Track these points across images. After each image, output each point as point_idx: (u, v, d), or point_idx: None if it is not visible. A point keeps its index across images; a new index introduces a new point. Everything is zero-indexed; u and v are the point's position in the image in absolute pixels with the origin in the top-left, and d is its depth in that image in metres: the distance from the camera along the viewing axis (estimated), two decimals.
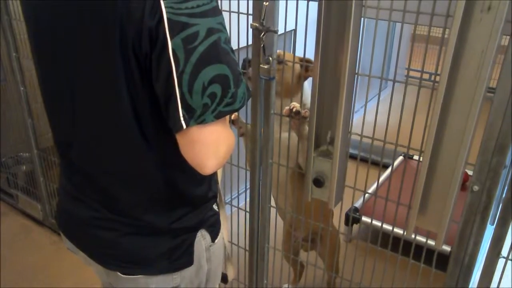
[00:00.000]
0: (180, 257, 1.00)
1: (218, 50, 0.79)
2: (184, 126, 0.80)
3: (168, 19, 0.74)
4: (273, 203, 1.60)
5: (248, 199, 1.57)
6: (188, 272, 1.02)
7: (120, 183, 0.95)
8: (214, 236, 1.06)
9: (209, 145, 0.83)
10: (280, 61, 1.48)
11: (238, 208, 1.67)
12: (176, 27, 0.75)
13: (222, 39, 0.79)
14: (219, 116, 0.81)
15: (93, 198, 0.98)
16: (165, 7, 0.74)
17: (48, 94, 0.99)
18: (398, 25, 1.12)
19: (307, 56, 1.28)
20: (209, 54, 0.77)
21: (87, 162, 0.97)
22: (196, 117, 0.79)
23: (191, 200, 0.99)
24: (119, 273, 0.99)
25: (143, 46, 0.77)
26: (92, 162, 0.96)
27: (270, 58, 1.26)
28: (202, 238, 1.03)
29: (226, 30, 0.82)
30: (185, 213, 0.99)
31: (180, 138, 0.84)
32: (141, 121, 0.86)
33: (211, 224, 1.05)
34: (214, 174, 1.07)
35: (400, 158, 3.04)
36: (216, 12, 0.79)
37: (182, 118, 0.79)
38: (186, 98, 0.78)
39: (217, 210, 1.09)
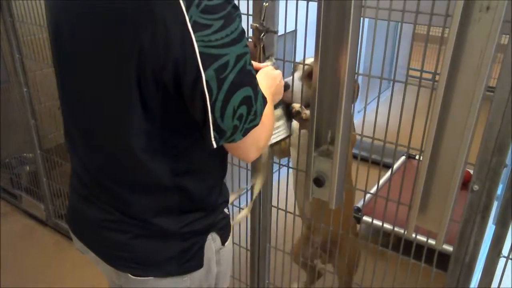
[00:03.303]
0: (190, 260, 1.00)
1: (245, 74, 0.84)
2: (214, 146, 0.86)
3: (200, 52, 0.77)
4: (274, 203, 1.60)
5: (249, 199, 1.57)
6: (198, 274, 1.02)
7: (131, 190, 0.95)
8: (224, 239, 1.06)
9: (247, 147, 0.91)
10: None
11: (240, 208, 1.67)
12: (208, 60, 0.78)
13: (247, 62, 0.84)
14: (245, 134, 0.87)
15: (105, 200, 0.99)
16: (196, 41, 0.76)
17: (63, 101, 1.00)
18: (399, 24, 1.12)
19: (307, 56, 1.28)
20: (238, 80, 0.82)
21: (98, 169, 0.98)
22: (226, 137, 0.86)
23: (202, 206, 1.00)
24: (129, 275, 0.99)
25: (164, 74, 0.79)
26: (103, 169, 0.97)
27: (273, 58, 1.26)
28: (212, 241, 1.03)
29: (248, 48, 0.85)
30: (196, 217, 0.99)
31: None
32: (151, 137, 0.88)
33: (221, 227, 1.06)
34: (224, 181, 1.08)
35: (402, 158, 3.03)
36: (242, 35, 0.82)
37: (213, 139, 0.85)
38: (218, 123, 0.83)
39: (227, 213, 1.09)
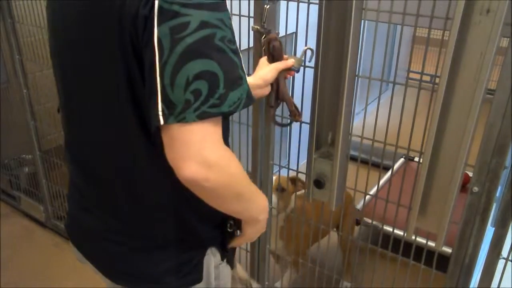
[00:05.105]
0: (188, 273, 0.97)
1: (210, 46, 0.73)
2: (162, 122, 0.73)
3: (159, 6, 0.71)
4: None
5: None
6: None
7: (132, 201, 0.92)
8: (224, 255, 1.03)
9: (190, 145, 0.74)
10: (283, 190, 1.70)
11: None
12: (166, 15, 0.71)
13: (217, 35, 0.73)
14: (202, 117, 0.73)
15: (103, 209, 0.96)
16: None
17: (60, 98, 0.98)
18: (400, 27, 1.13)
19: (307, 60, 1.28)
20: (198, 48, 0.72)
21: (95, 170, 0.95)
22: (177, 113, 0.72)
23: (201, 218, 0.95)
24: None
25: (139, 35, 0.74)
26: (100, 170, 0.94)
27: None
28: (212, 255, 1.00)
29: (229, 29, 0.76)
30: (195, 230, 0.96)
31: (163, 137, 0.77)
32: (146, 124, 0.83)
33: (221, 242, 1.01)
34: None
35: (401, 160, 3.04)
36: (218, 8, 0.75)
37: (161, 113, 0.73)
38: (167, 91, 0.72)
39: (229, 230, 1.02)
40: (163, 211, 0.93)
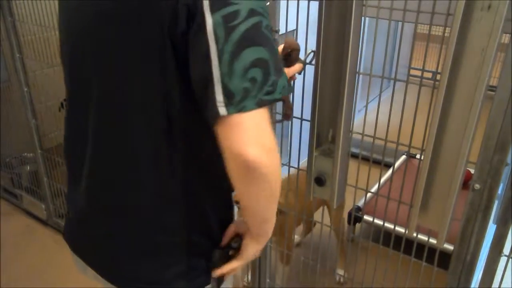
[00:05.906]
0: (198, 276, 0.96)
1: (260, 33, 0.74)
2: (221, 113, 0.72)
3: None
4: None
5: None
6: None
7: (137, 194, 0.89)
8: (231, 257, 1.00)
9: (250, 130, 0.73)
10: None
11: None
12: (217, 4, 0.71)
13: (263, 23, 0.74)
14: (260, 105, 0.73)
15: (107, 212, 0.93)
16: None
17: (69, 96, 0.96)
18: (401, 23, 1.12)
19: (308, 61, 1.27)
20: (251, 35, 0.72)
21: (102, 171, 0.92)
22: (236, 103, 0.72)
23: (208, 221, 0.94)
24: None
25: (179, 24, 0.72)
26: (109, 171, 0.91)
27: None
28: None
29: (269, 18, 0.77)
30: (202, 233, 0.94)
31: (219, 127, 0.75)
32: (172, 120, 0.81)
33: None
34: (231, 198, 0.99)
35: (403, 157, 3.03)
36: None
37: (220, 104, 0.72)
38: (225, 81, 0.72)
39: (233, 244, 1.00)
40: (174, 210, 0.90)
